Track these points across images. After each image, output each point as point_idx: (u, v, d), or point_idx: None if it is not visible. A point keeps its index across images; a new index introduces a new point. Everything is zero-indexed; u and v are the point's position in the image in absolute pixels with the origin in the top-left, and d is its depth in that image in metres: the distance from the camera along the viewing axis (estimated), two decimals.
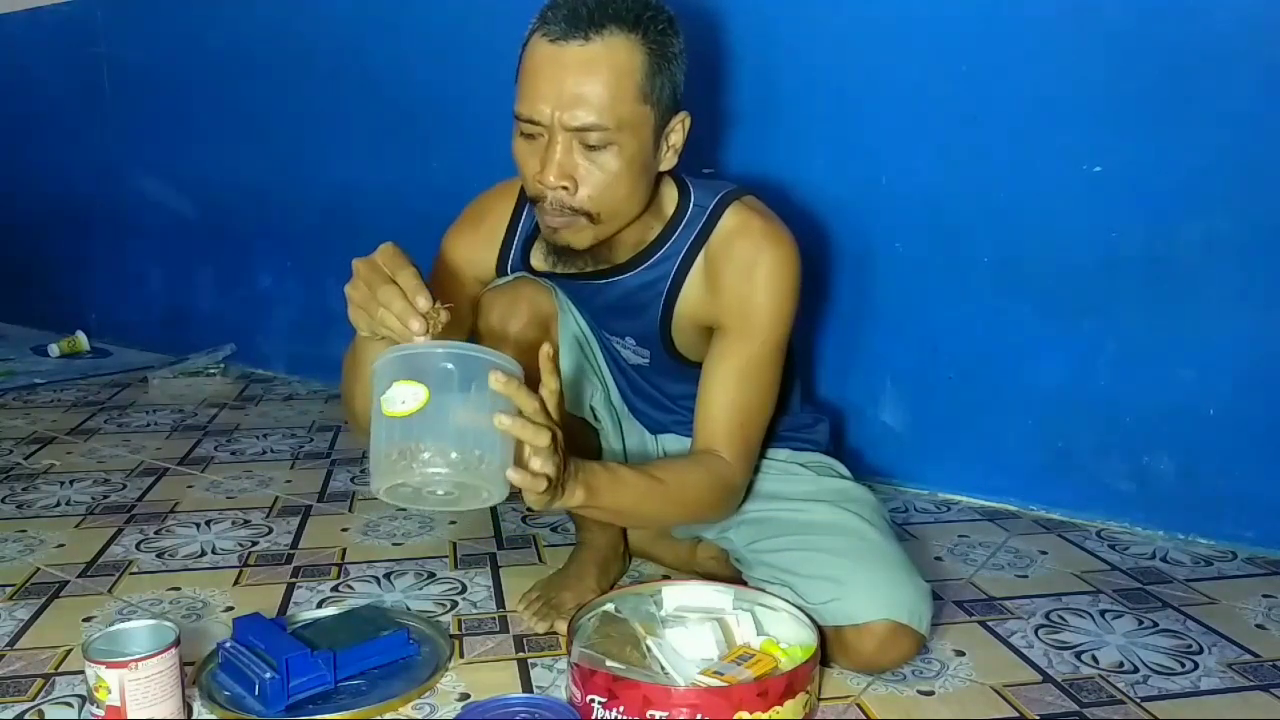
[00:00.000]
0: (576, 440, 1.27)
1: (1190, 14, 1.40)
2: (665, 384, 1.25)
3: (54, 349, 2.92)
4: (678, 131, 1.07)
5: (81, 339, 2.98)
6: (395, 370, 0.86)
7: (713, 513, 1.15)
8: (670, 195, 1.14)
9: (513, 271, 1.23)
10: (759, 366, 1.12)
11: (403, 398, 0.84)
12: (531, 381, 0.90)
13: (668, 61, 1.01)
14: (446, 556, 1.45)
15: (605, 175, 1.00)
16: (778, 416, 1.24)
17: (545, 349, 0.92)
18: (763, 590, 1.14)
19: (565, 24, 0.97)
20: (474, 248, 1.23)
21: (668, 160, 1.07)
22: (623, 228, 1.08)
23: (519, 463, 0.88)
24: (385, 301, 0.90)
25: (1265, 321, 1.42)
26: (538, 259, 1.19)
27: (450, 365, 0.86)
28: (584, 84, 0.97)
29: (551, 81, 0.97)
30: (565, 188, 1.00)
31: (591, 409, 1.29)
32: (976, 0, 1.54)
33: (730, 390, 1.11)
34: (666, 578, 1.34)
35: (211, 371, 2.65)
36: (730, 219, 1.12)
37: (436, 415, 0.84)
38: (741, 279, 1.10)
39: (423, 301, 0.89)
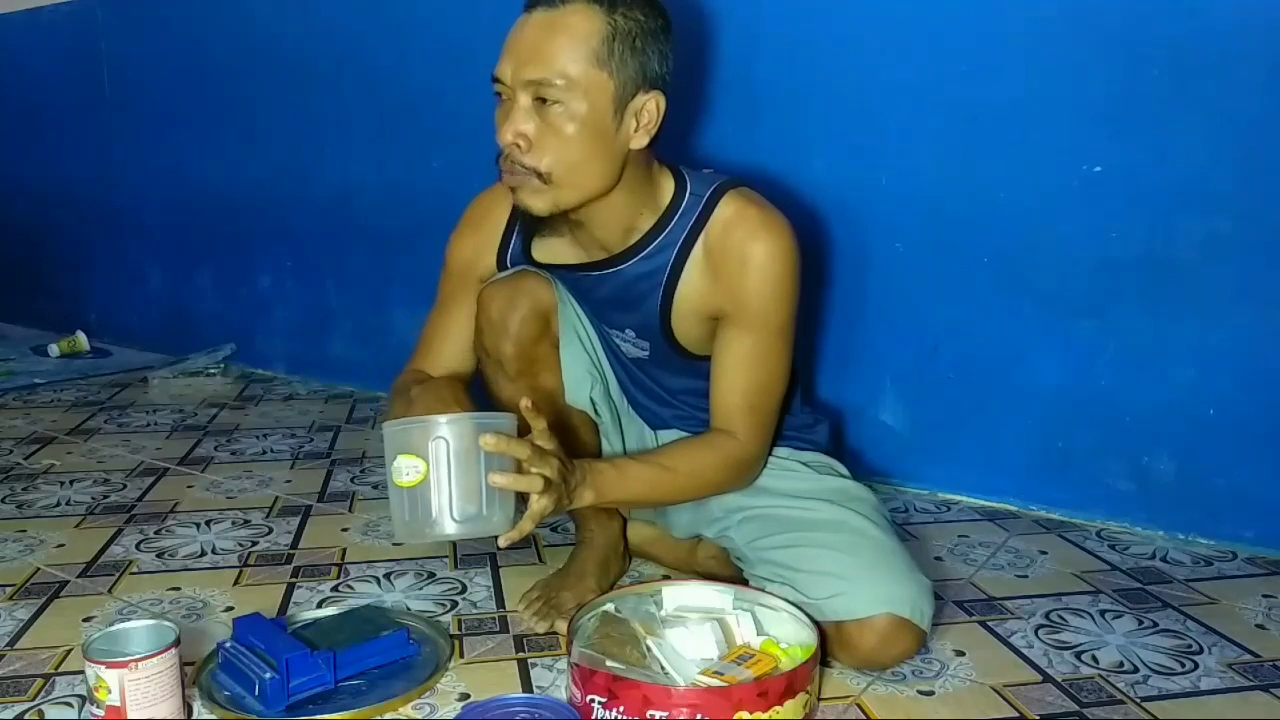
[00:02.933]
0: (578, 435, 1.28)
1: (1191, 14, 1.40)
2: (665, 377, 1.26)
3: (54, 349, 2.92)
4: (650, 110, 1.08)
5: (81, 339, 2.98)
6: (395, 444, 0.97)
7: (729, 487, 1.20)
8: (666, 185, 1.16)
9: (513, 265, 1.24)
10: (766, 350, 1.14)
11: (405, 470, 0.95)
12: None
13: (635, 36, 1.04)
14: (446, 556, 1.45)
15: (556, 136, 1.04)
16: (778, 416, 1.24)
17: (524, 402, 1.00)
18: (763, 590, 1.14)
19: None
20: (477, 248, 1.26)
21: (637, 139, 1.08)
22: (586, 200, 1.09)
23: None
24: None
25: (1265, 321, 1.41)
26: (537, 252, 1.20)
27: (442, 438, 0.95)
28: (539, 43, 1.02)
29: (515, 43, 1.04)
30: (518, 145, 1.04)
31: (592, 401, 1.29)
32: (976, 0, 1.54)
33: (740, 376, 1.15)
34: (666, 578, 1.34)
35: (211, 371, 2.65)
36: (726, 207, 1.13)
37: (436, 486, 0.96)
38: (741, 267, 1.11)
39: None
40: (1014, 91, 1.53)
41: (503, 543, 1.00)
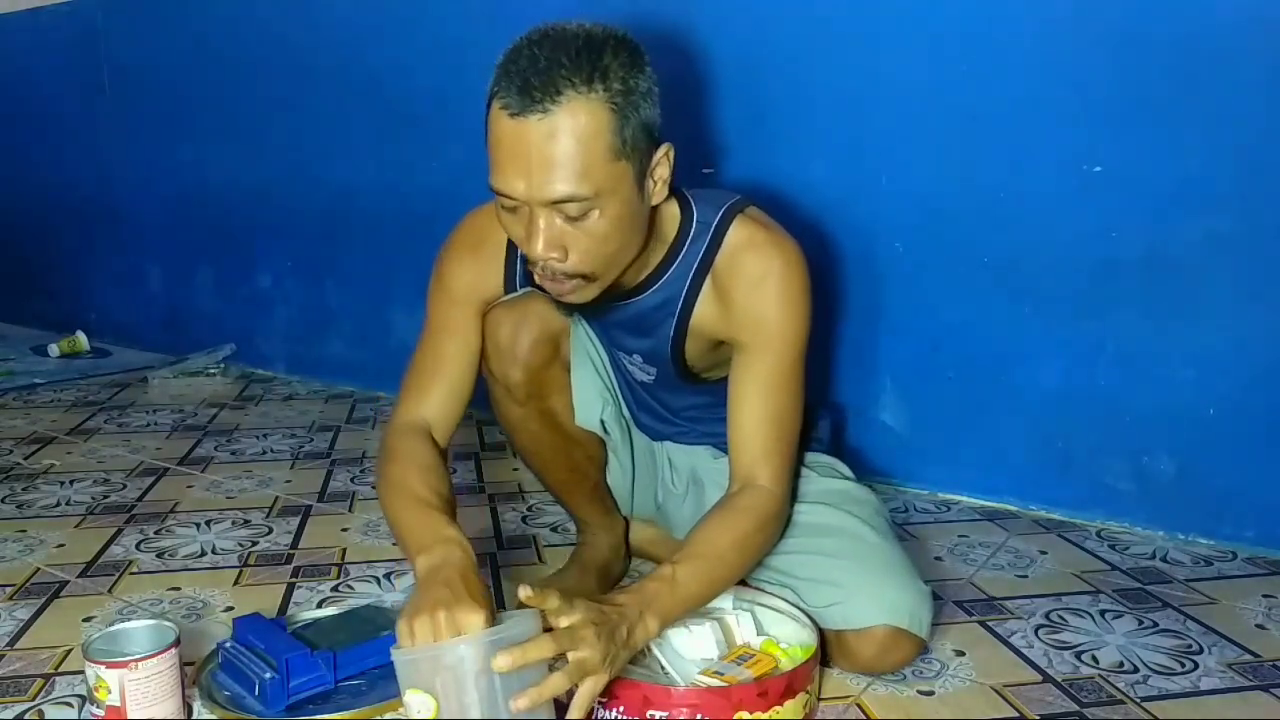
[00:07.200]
0: (586, 452, 1.27)
1: (1191, 13, 1.40)
2: (668, 398, 1.24)
3: (54, 349, 2.92)
4: (662, 165, 1.01)
5: (81, 339, 2.98)
6: (402, 678, 0.86)
7: (771, 546, 1.13)
8: (671, 214, 1.10)
9: (520, 288, 1.18)
10: (784, 377, 1.09)
11: (416, 707, 0.85)
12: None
13: (636, 106, 0.94)
14: None
15: (593, 239, 0.96)
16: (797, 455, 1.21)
17: (522, 592, 0.91)
18: (762, 590, 1.14)
19: (519, 96, 0.90)
20: (478, 271, 1.18)
21: (658, 194, 1.02)
22: (626, 269, 1.05)
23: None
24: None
25: (1265, 321, 1.41)
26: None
27: (450, 670, 0.84)
28: (551, 158, 0.91)
29: (519, 158, 0.92)
30: (555, 257, 0.96)
31: (601, 422, 1.26)
32: (976, 0, 1.54)
33: (760, 405, 1.09)
34: None
35: (211, 371, 2.65)
36: (735, 234, 1.09)
37: None
38: (753, 295, 1.08)
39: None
40: (1014, 91, 1.53)
41: None
